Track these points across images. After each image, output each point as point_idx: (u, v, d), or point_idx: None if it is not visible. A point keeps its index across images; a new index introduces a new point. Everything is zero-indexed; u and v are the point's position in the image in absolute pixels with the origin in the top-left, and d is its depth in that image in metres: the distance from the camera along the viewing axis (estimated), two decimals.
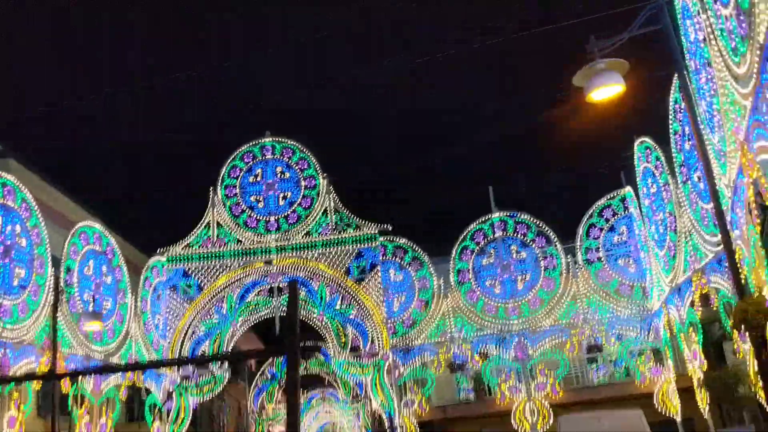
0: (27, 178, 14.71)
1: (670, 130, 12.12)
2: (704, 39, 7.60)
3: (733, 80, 6.90)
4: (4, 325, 11.88)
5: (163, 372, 17.22)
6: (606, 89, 7.53)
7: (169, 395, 17.41)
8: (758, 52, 6.00)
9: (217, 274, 18.52)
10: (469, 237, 18.47)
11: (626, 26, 7.42)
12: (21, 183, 12.93)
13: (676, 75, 11.09)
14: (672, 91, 11.54)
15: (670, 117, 11.96)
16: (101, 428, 14.84)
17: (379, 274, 18.42)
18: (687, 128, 11.39)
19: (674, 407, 15.62)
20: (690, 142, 11.45)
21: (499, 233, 18.31)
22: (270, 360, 28.35)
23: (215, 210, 18.77)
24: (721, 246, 10.99)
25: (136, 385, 16.49)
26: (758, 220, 8.00)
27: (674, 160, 12.34)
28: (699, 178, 11.34)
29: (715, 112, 8.37)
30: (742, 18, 6.17)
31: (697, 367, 12.68)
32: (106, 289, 15.46)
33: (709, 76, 8.06)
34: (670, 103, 11.78)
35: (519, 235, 18.23)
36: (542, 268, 17.87)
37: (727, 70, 7.04)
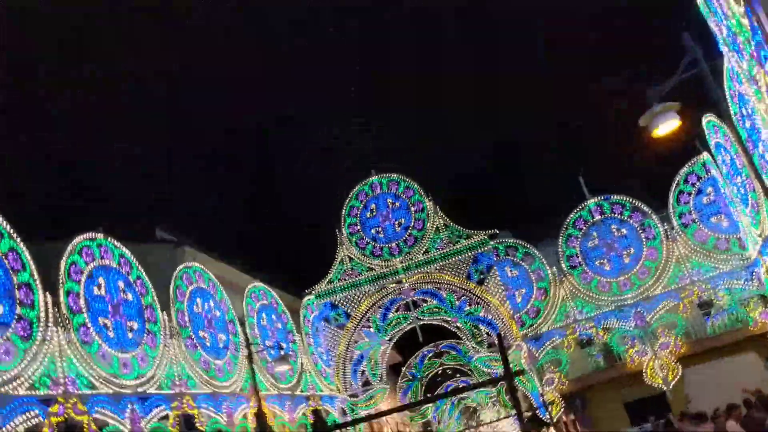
0: (200, 258, 18.00)
1: (731, 112, 13.86)
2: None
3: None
4: (221, 380, 15.06)
5: (335, 395, 20.29)
6: (666, 125, 9.62)
7: (343, 412, 20.46)
8: None
9: (359, 300, 21.39)
10: (571, 224, 20.51)
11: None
12: (204, 266, 16.15)
13: (726, 64, 13.00)
14: (725, 80, 13.34)
15: (728, 101, 13.73)
16: None
17: (497, 273, 20.80)
18: (744, 110, 13.21)
19: None
20: (750, 120, 13.25)
21: (597, 216, 20.30)
22: (409, 363, 31.24)
23: (344, 247, 21.64)
24: None
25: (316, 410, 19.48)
26: None
27: (740, 135, 14.08)
28: (764, 149, 13.13)
29: (737, 36, 8.90)
30: None
31: None
32: (279, 333, 18.58)
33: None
34: (726, 90, 13.56)
35: (616, 215, 20.15)
36: (644, 240, 19.73)
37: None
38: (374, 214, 21.84)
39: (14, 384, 10.08)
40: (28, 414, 10.12)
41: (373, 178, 22.12)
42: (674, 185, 19.61)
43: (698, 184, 19.45)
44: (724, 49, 11.18)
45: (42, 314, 10.86)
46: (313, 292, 21.35)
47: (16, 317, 10.43)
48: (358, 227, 21.83)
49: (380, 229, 21.72)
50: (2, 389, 9.85)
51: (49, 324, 10.97)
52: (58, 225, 22.33)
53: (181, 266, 15.36)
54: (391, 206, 21.87)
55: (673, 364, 18.93)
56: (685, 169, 19.52)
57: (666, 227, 19.56)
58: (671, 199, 19.61)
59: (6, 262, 10.54)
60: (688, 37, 9.92)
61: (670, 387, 18.71)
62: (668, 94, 9.69)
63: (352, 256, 21.63)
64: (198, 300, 15.39)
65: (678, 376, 18.77)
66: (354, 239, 21.72)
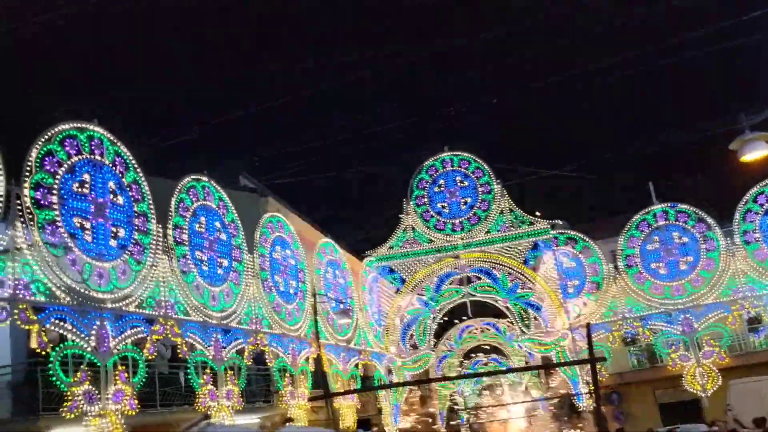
0: (279, 209, 19.14)
1: None
2: None
3: None
4: (290, 323, 16.25)
5: (384, 353, 21.46)
6: (754, 152, 10.22)
7: (389, 370, 21.63)
8: None
9: (416, 268, 22.38)
10: (634, 226, 21.05)
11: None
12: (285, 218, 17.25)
13: None
14: None
15: None
16: None
17: (553, 262, 21.51)
18: None
19: None
20: None
21: (661, 222, 20.77)
22: (449, 334, 32.30)
23: (409, 217, 22.55)
24: None
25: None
26: None
27: None
28: None
29: None
30: None
31: None
32: (340, 288, 19.69)
33: None
34: None
35: (680, 222, 20.61)
36: (703, 250, 20.17)
37: None
38: (442, 189, 22.64)
39: (126, 302, 11.34)
40: (134, 329, 11.39)
41: (445, 154, 22.84)
42: (743, 203, 19.96)
43: (767, 205, 19.76)
44: None
45: (153, 242, 12.09)
46: (374, 254, 22.42)
47: (133, 242, 11.67)
48: (425, 200, 22.68)
49: (446, 204, 22.53)
50: (117, 305, 11.11)
51: (158, 252, 12.19)
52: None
53: (267, 214, 16.50)
54: (459, 184, 22.62)
55: (714, 373, 19.47)
56: (755, 189, 19.81)
57: (728, 241, 19.92)
58: (737, 216, 19.97)
59: (130, 192, 11.76)
60: None
61: (708, 395, 19.33)
62: (760, 125, 10.26)
63: (416, 227, 22.53)
64: (278, 248, 16.53)
65: (717, 386, 19.34)
66: (420, 211, 22.59)
